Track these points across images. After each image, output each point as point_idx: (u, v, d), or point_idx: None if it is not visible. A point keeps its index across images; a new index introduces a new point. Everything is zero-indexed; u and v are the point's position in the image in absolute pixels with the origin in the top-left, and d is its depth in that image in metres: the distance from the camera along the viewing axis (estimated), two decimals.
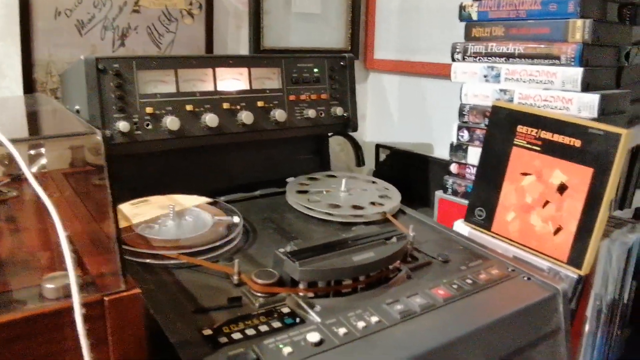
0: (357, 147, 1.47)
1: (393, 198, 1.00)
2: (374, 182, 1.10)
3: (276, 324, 0.62)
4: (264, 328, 0.62)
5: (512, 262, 0.81)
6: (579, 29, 0.85)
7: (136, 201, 0.88)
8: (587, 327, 0.88)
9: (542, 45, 0.90)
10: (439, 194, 1.09)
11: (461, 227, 0.97)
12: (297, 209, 0.96)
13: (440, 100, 1.38)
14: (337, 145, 1.56)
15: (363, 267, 0.69)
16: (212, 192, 0.96)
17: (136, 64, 0.88)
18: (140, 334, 0.51)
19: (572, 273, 0.82)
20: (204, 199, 0.90)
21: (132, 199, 0.89)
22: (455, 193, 1.06)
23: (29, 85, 1.10)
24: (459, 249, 0.86)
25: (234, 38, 1.30)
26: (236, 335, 0.60)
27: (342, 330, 0.62)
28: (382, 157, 1.52)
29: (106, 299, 0.49)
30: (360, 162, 1.48)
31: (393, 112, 1.54)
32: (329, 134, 1.36)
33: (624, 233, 0.89)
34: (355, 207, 0.95)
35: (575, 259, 0.82)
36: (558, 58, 0.88)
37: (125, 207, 0.86)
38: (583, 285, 0.85)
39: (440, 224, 0.97)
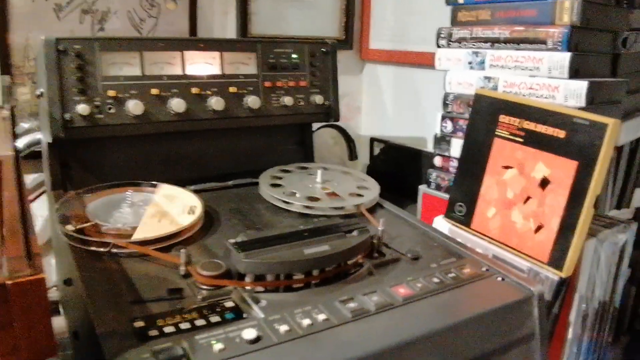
0: (349, 140, 1.43)
1: (371, 191, 0.94)
2: (353, 174, 1.04)
3: (215, 319, 0.58)
4: (200, 322, 0.57)
5: (487, 261, 0.75)
6: (567, 11, 0.78)
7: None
8: (570, 333, 0.81)
9: (528, 29, 0.84)
10: (422, 188, 1.04)
11: (441, 223, 0.92)
12: (267, 200, 0.91)
13: (436, 92, 1.32)
14: (330, 138, 1.51)
15: (314, 261, 0.65)
16: (182, 181, 0.92)
17: (99, 46, 0.85)
18: (47, 320, 0.48)
19: (553, 275, 0.76)
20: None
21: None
22: (438, 187, 1.00)
23: (6, 69, 1.08)
24: (432, 245, 0.80)
25: (221, 24, 1.26)
26: (168, 329, 0.56)
27: (283, 328, 0.57)
28: (377, 151, 1.46)
29: (8, 282, 0.46)
30: (353, 155, 1.44)
31: (389, 105, 1.49)
32: (320, 125, 1.32)
33: (613, 233, 0.82)
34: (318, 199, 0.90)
35: (556, 259, 0.76)
36: (544, 42, 0.81)
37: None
38: (566, 288, 0.78)
39: (418, 219, 0.91)
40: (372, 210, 0.91)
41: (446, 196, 0.97)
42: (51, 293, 1.10)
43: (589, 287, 0.81)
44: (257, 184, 0.97)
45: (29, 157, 1.05)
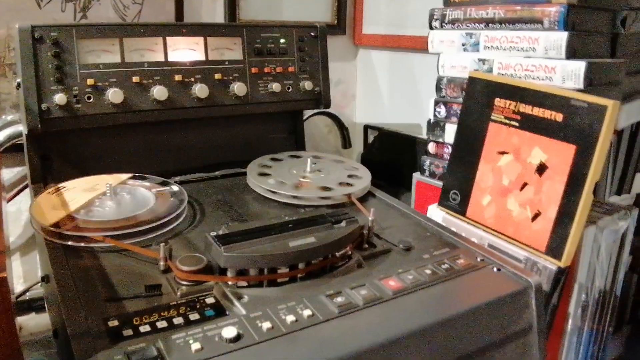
0: (342, 128, 1.39)
1: (362, 180, 0.91)
2: (344, 162, 1.01)
3: (194, 316, 0.55)
4: (178, 320, 0.55)
5: (482, 251, 0.72)
6: None
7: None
8: (569, 325, 0.78)
9: (524, 8, 0.80)
10: (416, 176, 1.00)
11: (435, 212, 0.89)
12: (255, 190, 0.88)
13: (433, 76, 1.28)
14: (324, 126, 1.48)
15: (299, 254, 0.61)
16: (167, 173, 0.89)
17: (76, 32, 0.81)
18: (9, 321, 0.45)
19: (551, 264, 0.73)
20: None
21: (76, 177, 0.83)
22: (433, 175, 0.97)
23: None
24: (425, 235, 0.77)
25: (209, 11, 1.22)
26: (144, 328, 0.53)
27: (266, 325, 0.54)
28: (371, 138, 1.43)
29: None
30: (346, 143, 1.40)
31: (384, 91, 1.45)
32: (312, 113, 1.28)
33: (614, 220, 0.79)
34: (317, 188, 0.87)
35: (554, 248, 0.73)
36: (540, 22, 0.78)
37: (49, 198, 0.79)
38: (565, 277, 0.75)
39: (411, 208, 0.88)
40: (363, 199, 0.88)
41: (441, 184, 0.94)
42: (37, 289, 1.07)
43: (589, 277, 0.78)
44: (245, 174, 0.94)
45: (12, 150, 1.02)
